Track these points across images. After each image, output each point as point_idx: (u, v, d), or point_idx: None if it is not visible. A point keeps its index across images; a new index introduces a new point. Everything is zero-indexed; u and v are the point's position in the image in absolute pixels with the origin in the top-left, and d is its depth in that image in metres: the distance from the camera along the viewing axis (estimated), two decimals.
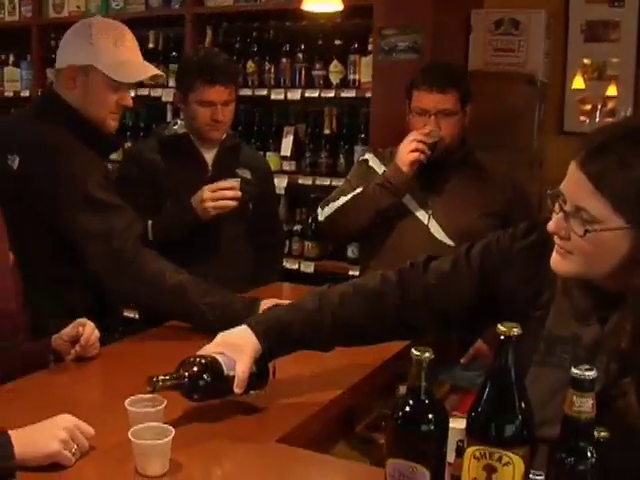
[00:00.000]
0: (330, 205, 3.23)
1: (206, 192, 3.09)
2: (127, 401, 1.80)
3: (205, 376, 1.84)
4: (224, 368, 1.87)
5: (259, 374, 1.94)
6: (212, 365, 1.86)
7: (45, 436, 1.65)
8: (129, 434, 1.64)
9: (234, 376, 1.87)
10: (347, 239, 3.85)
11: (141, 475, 1.64)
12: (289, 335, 1.94)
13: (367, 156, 3.34)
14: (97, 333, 2.32)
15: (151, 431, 1.66)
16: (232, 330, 1.95)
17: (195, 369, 1.84)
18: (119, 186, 3.29)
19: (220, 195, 3.10)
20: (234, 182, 3.14)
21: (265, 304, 2.50)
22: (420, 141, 3.05)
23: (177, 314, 2.70)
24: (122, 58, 2.72)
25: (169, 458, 1.65)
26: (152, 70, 2.89)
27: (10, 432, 1.63)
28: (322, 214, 3.28)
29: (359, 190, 3.15)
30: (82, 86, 2.71)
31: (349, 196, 3.17)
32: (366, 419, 2.36)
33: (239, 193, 3.14)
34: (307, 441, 1.87)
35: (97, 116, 2.72)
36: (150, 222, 3.12)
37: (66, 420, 1.71)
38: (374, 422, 2.35)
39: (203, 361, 1.86)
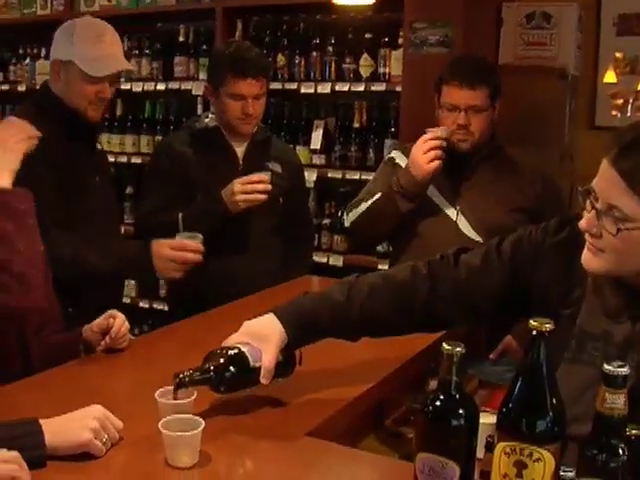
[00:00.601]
0: (354, 211, 3.24)
1: (237, 185, 3.11)
2: (157, 392, 1.81)
3: (231, 368, 1.84)
4: (250, 359, 1.87)
5: (285, 362, 1.93)
6: (238, 357, 1.86)
7: (76, 426, 1.67)
8: (159, 425, 1.65)
9: (260, 367, 1.87)
10: (375, 242, 3.84)
11: (170, 466, 1.65)
12: (316, 325, 1.94)
13: (393, 154, 3.33)
14: (127, 325, 2.34)
15: (181, 422, 1.67)
16: (258, 319, 1.95)
17: (221, 361, 1.84)
18: (150, 178, 3.33)
19: (251, 188, 3.12)
20: (265, 175, 3.15)
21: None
22: (435, 147, 3.03)
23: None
24: (98, 54, 2.86)
25: (198, 450, 1.66)
26: (123, 65, 3.01)
27: (41, 421, 1.65)
28: (347, 220, 3.29)
29: (378, 196, 3.15)
30: (64, 79, 2.90)
31: (369, 202, 3.17)
32: (395, 413, 2.35)
33: (269, 186, 3.15)
34: (336, 435, 1.88)
35: (78, 106, 2.87)
36: (180, 215, 3.14)
37: (97, 410, 1.73)
38: (403, 416, 2.35)
39: (229, 353, 1.86)
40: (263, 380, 1.87)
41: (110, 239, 3.04)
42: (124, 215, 5.17)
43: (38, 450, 1.61)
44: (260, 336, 1.90)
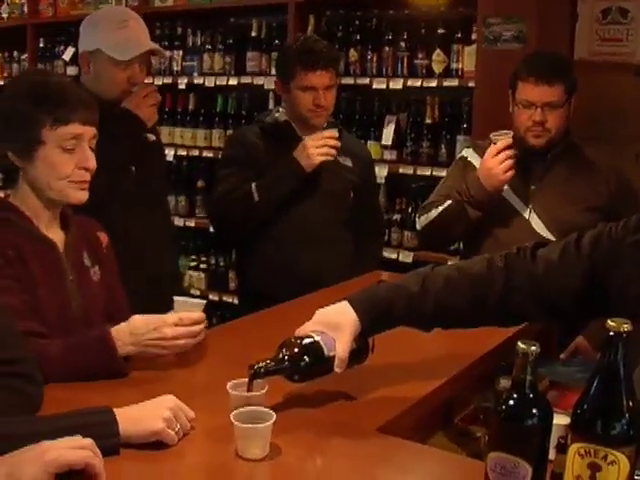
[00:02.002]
0: (425, 216, 3.24)
1: (309, 141, 3.17)
2: (229, 384, 1.83)
3: (306, 358, 1.84)
4: (324, 349, 1.86)
5: (358, 350, 1.93)
6: (312, 347, 1.86)
7: (150, 415, 1.69)
8: (231, 417, 1.66)
9: (334, 356, 1.86)
10: (447, 245, 3.83)
11: (241, 458, 1.66)
12: (389, 314, 1.92)
13: (465, 153, 3.31)
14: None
15: (252, 415, 1.68)
16: (332, 307, 1.94)
17: (295, 351, 1.84)
18: (224, 166, 3.36)
19: (323, 143, 3.17)
20: (335, 132, 3.21)
21: None
22: (510, 157, 3.02)
23: None
24: (123, 38, 2.89)
25: (269, 442, 1.67)
26: (149, 45, 2.99)
27: (115, 410, 1.67)
28: (419, 223, 3.30)
29: (448, 203, 3.15)
30: (94, 70, 2.93)
31: (440, 209, 3.17)
32: (464, 411, 2.33)
33: (339, 143, 3.21)
34: (405, 431, 1.87)
35: (110, 96, 2.87)
36: (254, 184, 3.18)
37: (170, 400, 1.76)
38: (472, 415, 2.32)
39: (303, 343, 1.86)
40: (337, 369, 1.87)
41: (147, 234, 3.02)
42: (195, 209, 5.23)
43: (112, 438, 1.63)
44: (334, 325, 1.89)
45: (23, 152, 2.15)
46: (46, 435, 1.50)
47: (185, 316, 2.16)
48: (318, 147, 3.17)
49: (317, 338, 1.88)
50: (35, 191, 2.19)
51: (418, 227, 3.31)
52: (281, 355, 1.84)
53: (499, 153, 3.02)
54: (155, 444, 1.68)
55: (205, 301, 2.37)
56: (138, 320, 2.13)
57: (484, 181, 3.03)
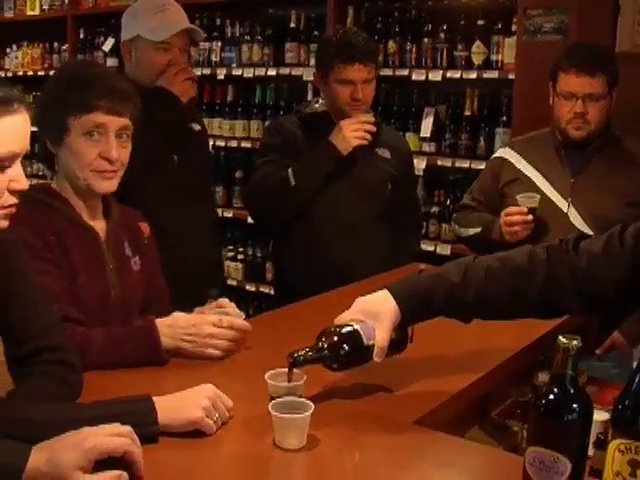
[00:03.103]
0: (460, 229, 3.35)
1: (345, 125, 3.18)
2: (267, 374, 1.83)
3: (345, 347, 1.83)
4: (363, 337, 1.85)
5: (398, 340, 1.92)
6: (351, 335, 1.85)
7: (189, 403, 1.70)
8: (269, 407, 1.67)
9: (373, 345, 1.85)
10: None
11: (278, 448, 1.66)
12: (430, 304, 1.91)
13: (502, 153, 3.30)
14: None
15: (291, 405, 1.69)
16: (372, 295, 1.93)
17: (335, 340, 1.83)
18: (262, 153, 3.37)
19: (360, 126, 3.18)
20: (370, 116, 3.23)
21: None
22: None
23: None
24: (161, 21, 2.92)
25: (307, 433, 1.67)
26: (186, 24, 3.00)
27: (155, 398, 1.69)
28: (456, 231, 3.41)
29: (474, 232, 3.25)
30: (135, 57, 2.97)
31: (471, 232, 3.27)
32: (500, 405, 2.33)
33: (374, 128, 3.23)
34: (442, 424, 1.87)
35: (153, 82, 2.88)
36: (290, 169, 3.18)
37: (209, 389, 1.77)
38: (509, 409, 2.32)
39: (343, 331, 1.85)
40: (376, 358, 1.86)
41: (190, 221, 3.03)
42: (233, 200, 5.25)
43: (151, 427, 1.65)
44: (373, 314, 1.88)
45: (54, 139, 2.18)
46: (86, 422, 1.53)
47: (225, 319, 2.18)
48: (354, 130, 3.17)
49: (356, 327, 1.86)
50: (68, 179, 2.22)
51: (456, 233, 3.42)
52: (320, 344, 1.83)
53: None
54: (193, 433, 1.69)
55: (243, 314, 2.34)
56: (180, 316, 2.17)
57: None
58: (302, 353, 1.81)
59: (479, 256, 2.01)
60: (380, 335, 1.86)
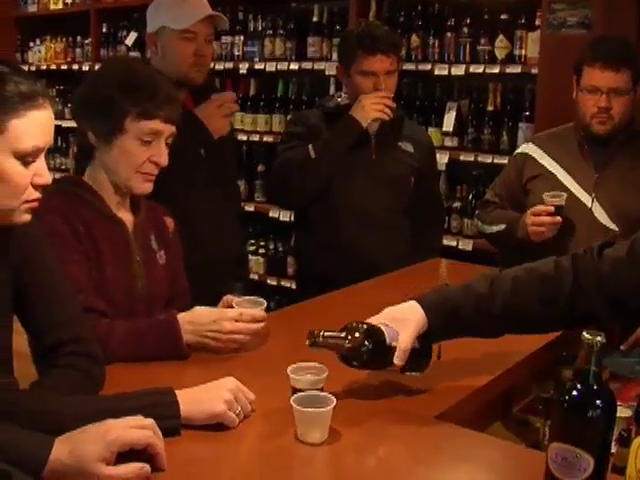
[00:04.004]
0: (484, 226, 3.30)
1: (364, 98, 3.19)
2: (289, 368, 1.83)
3: (367, 342, 1.81)
4: (387, 337, 1.84)
5: (420, 352, 1.89)
6: (374, 332, 1.84)
7: (211, 397, 1.71)
8: (291, 401, 1.68)
9: (395, 347, 1.83)
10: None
11: (300, 441, 1.67)
12: (457, 317, 1.89)
13: (525, 148, 3.27)
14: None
15: (313, 399, 1.69)
16: (400, 305, 1.92)
17: (357, 334, 1.82)
18: (285, 141, 3.37)
19: (379, 100, 3.18)
20: (389, 92, 3.24)
21: None
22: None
23: None
24: (184, 10, 2.92)
25: (328, 427, 1.68)
26: (209, 10, 2.99)
27: (177, 391, 1.70)
28: (480, 228, 3.37)
29: (498, 228, 3.21)
30: (161, 49, 2.97)
31: (494, 229, 3.23)
32: (522, 401, 2.32)
33: (394, 105, 3.24)
34: (464, 420, 1.87)
35: (179, 71, 2.87)
36: (310, 145, 3.20)
37: (230, 382, 1.77)
38: (531, 405, 2.31)
39: (366, 327, 1.84)
40: (396, 360, 1.84)
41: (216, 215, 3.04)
42: (255, 193, 5.26)
43: (173, 419, 1.66)
44: (399, 320, 1.87)
45: (103, 136, 2.20)
46: (109, 414, 1.54)
47: (246, 312, 2.17)
48: (373, 103, 3.18)
49: (380, 326, 1.86)
50: (107, 173, 2.24)
51: (480, 230, 3.39)
52: (343, 333, 1.82)
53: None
54: (215, 426, 1.70)
55: (265, 302, 2.29)
56: (201, 311, 2.17)
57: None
58: (322, 333, 1.80)
59: (504, 269, 2.01)
60: (403, 337, 1.84)
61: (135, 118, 2.16)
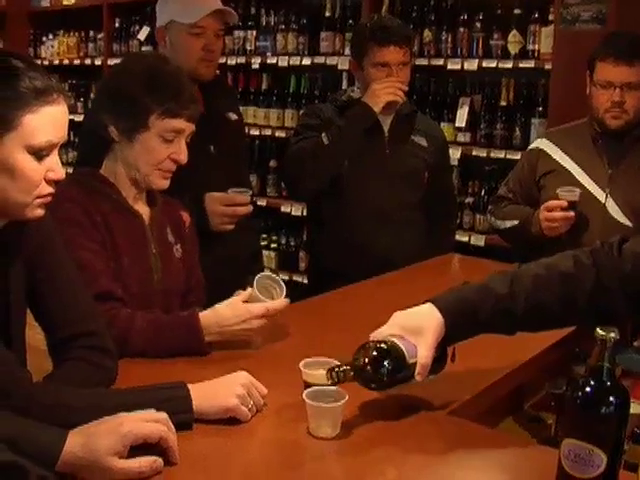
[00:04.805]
0: (497, 222, 3.30)
1: (375, 84, 3.20)
2: (301, 363, 1.83)
3: (386, 364, 1.71)
4: (406, 355, 1.72)
5: (439, 358, 1.81)
6: (393, 352, 1.72)
7: (224, 391, 1.72)
8: (303, 395, 1.68)
9: (415, 363, 1.74)
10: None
11: (312, 436, 1.67)
12: (476, 319, 1.82)
13: (539, 143, 3.26)
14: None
15: (325, 394, 1.69)
16: (412, 310, 1.82)
17: (374, 354, 1.71)
18: (299, 132, 3.37)
19: (390, 84, 3.19)
20: (403, 81, 3.23)
21: None
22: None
23: None
24: (192, 3, 2.91)
25: (340, 422, 1.68)
26: (218, 5, 2.97)
27: (190, 386, 1.70)
28: (493, 224, 3.36)
29: (511, 224, 3.21)
30: (169, 43, 2.96)
31: (508, 225, 3.23)
32: (534, 398, 2.32)
33: (406, 87, 3.26)
34: (476, 416, 1.87)
35: (188, 66, 2.80)
36: (323, 134, 3.20)
37: (243, 377, 1.78)
38: (543, 401, 2.31)
39: (383, 347, 1.72)
40: (418, 377, 1.75)
41: None
42: (267, 188, 5.26)
43: (186, 414, 1.66)
44: (415, 329, 1.77)
45: (125, 131, 2.21)
46: (122, 408, 1.54)
47: (271, 306, 2.15)
48: (385, 87, 3.18)
49: (398, 343, 1.74)
50: (125, 167, 2.25)
51: (494, 226, 3.38)
52: (359, 361, 1.71)
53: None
54: (228, 420, 1.71)
55: (284, 288, 2.25)
56: (225, 310, 2.14)
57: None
58: (341, 369, 1.69)
59: (522, 265, 1.96)
60: (423, 352, 1.74)
61: (159, 116, 2.18)
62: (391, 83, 3.18)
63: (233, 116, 3.19)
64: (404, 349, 1.73)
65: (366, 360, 1.70)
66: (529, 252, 2.87)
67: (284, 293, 2.22)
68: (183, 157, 2.25)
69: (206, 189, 2.85)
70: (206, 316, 2.13)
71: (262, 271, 2.52)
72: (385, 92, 3.17)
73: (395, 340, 1.74)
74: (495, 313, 1.82)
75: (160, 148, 2.21)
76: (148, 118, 2.18)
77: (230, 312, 2.13)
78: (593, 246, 1.91)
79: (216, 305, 2.17)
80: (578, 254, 1.88)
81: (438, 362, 1.81)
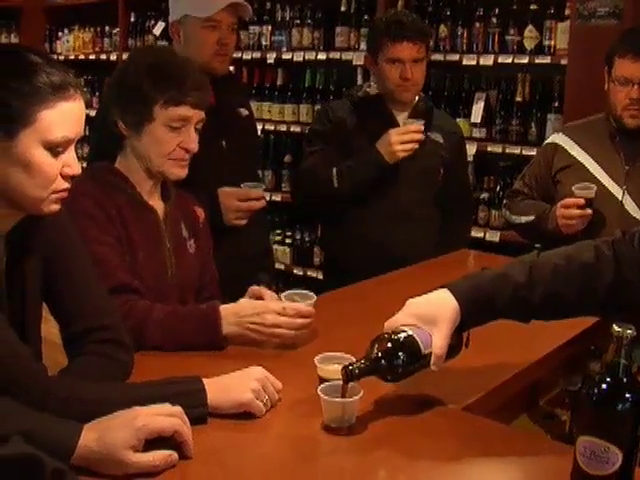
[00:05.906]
0: (512, 217, 3.30)
1: (393, 136, 3.14)
2: (316, 358, 1.84)
3: (400, 355, 1.69)
4: (421, 346, 1.71)
5: (453, 345, 1.79)
6: (407, 343, 1.71)
7: (239, 386, 1.72)
8: (318, 390, 1.68)
9: (430, 353, 1.72)
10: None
11: (327, 431, 1.67)
12: (493, 307, 1.80)
13: (555, 138, 3.25)
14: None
15: (340, 389, 1.68)
16: (425, 297, 1.80)
17: (389, 346, 1.70)
18: (311, 141, 3.37)
19: (409, 138, 3.14)
20: (420, 125, 3.17)
21: None
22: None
23: None
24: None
25: (355, 417, 1.68)
26: None
27: (205, 380, 1.70)
28: (505, 215, 3.37)
29: (527, 219, 3.20)
30: (184, 37, 2.95)
31: (523, 220, 3.22)
32: (549, 394, 2.31)
33: (423, 137, 3.19)
34: (490, 412, 1.86)
35: (202, 61, 2.79)
36: (335, 169, 3.18)
37: (258, 372, 1.78)
38: (557, 398, 2.30)
39: (398, 338, 1.71)
40: (434, 367, 1.74)
41: None
42: (281, 183, 5.26)
43: (201, 408, 1.66)
44: (429, 317, 1.74)
45: (132, 124, 2.22)
46: (137, 402, 1.55)
47: (290, 306, 2.14)
48: (403, 142, 3.14)
49: (412, 333, 1.72)
50: (139, 160, 2.26)
51: (509, 221, 3.37)
52: (374, 354, 1.70)
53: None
54: (242, 414, 1.71)
55: (315, 297, 2.25)
56: (245, 303, 2.16)
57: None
58: (356, 365, 1.68)
59: (540, 253, 1.94)
60: (438, 342, 1.73)
61: (163, 105, 2.18)
62: (409, 137, 3.14)
63: (244, 112, 3.18)
64: (419, 340, 1.71)
65: (381, 353, 1.69)
66: (545, 248, 2.86)
67: (311, 302, 2.21)
68: (193, 145, 2.24)
69: (218, 184, 2.86)
70: (225, 307, 2.13)
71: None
72: (402, 148, 3.12)
73: (410, 331, 1.73)
74: (512, 301, 1.80)
75: (168, 138, 2.21)
76: (152, 109, 2.18)
77: (249, 304, 2.15)
78: (614, 236, 1.90)
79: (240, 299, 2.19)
80: (599, 244, 1.86)
81: (454, 348, 1.79)
